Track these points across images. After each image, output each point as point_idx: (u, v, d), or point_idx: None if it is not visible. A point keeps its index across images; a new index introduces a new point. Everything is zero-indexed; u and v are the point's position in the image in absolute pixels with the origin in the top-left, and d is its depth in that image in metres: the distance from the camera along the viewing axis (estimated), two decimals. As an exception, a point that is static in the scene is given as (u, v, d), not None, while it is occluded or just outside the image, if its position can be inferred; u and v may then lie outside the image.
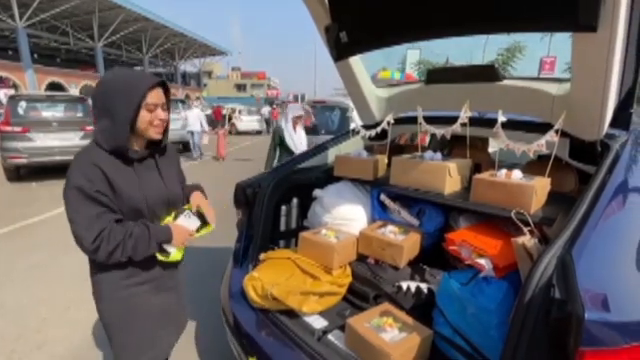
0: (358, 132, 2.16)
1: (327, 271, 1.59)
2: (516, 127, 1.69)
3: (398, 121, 2.07)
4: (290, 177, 2.02)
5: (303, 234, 1.68)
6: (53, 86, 22.41)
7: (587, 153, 1.48)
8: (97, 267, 1.19)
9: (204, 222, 1.35)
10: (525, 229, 1.24)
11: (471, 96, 1.66)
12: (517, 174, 1.40)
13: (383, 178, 1.88)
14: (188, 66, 46.55)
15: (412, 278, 1.54)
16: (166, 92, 1.22)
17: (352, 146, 2.33)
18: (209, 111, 20.28)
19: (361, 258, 1.70)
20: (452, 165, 1.56)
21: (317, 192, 1.94)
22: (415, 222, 1.70)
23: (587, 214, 1.03)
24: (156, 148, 1.26)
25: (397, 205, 1.77)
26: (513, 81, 1.65)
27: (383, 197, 1.80)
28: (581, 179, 1.62)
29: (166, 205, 1.28)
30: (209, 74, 52.63)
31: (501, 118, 1.46)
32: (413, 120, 1.91)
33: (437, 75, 1.89)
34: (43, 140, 6.49)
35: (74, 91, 23.65)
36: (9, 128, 6.29)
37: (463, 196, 1.55)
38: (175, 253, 1.25)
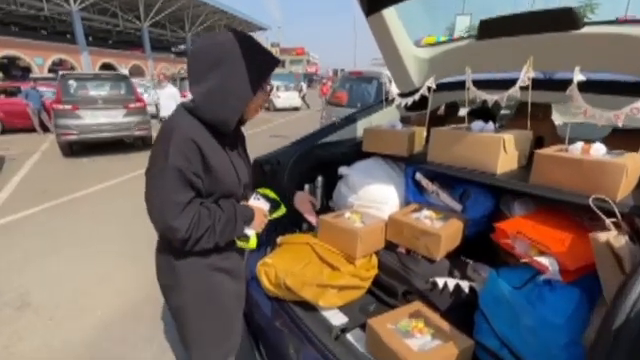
0: (392, 101, 1.88)
1: (349, 260, 1.39)
2: (597, 89, 1.32)
3: (441, 87, 1.76)
4: (313, 152, 1.80)
5: (323, 217, 1.48)
6: (105, 67, 23.76)
7: None
8: (174, 253, 1.06)
9: (274, 205, 1.30)
10: (608, 221, 0.94)
11: (536, 51, 1.32)
12: (599, 148, 1.07)
13: (420, 154, 1.61)
14: (229, 43, 47.00)
15: (450, 274, 1.29)
16: None
17: (386, 117, 2.05)
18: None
19: (390, 246, 1.47)
20: (508, 137, 1.25)
21: (343, 170, 1.71)
22: (457, 207, 1.43)
23: None
24: (239, 128, 1.16)
25: (436, 186, 1.50)
26: (597, 27, 1.27)
27: (419, 176, 1.53)
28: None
29: (251, 186, 1.21)
30: (249, 51, 52.76)
31: (578, 77, 1.12)
32: (460, 85, 1.60)
33: (493, 27, 1.53)
34: (91, 117, 6.82)
35: (124, 71, 24.92)
36: (61, 106, 6.67)
37: (520, 176, 1.24)
38: (253, 238, 1.16)
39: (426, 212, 1.40)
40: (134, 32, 30.63)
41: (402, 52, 1.79)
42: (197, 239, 0.98)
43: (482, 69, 1.59)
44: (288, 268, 1.36)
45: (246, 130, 1.23)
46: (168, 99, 6.69)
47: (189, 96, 1.03)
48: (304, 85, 20.59)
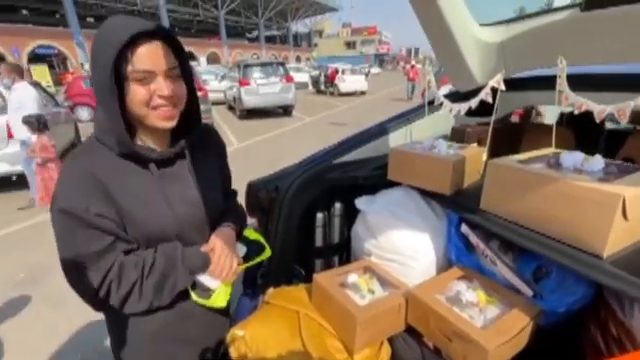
0: (441, 104, 1.34)
1: (348, 349, 0.96)
2: None
3: (515, 85, 1.18)
4: (325, 175, 1.38)
5: (319, 277, 1.06)
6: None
7: None
8: (111, 319, 0.87)
9: (255, 249, 1.04)
10: None
11: None
12: None
13: (472, 193, 1.07)
14: (300, 26, 47.37)
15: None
16: (174, 48, 0.75)
17: (432, 126, 1.52)
18: (315, 72, 19.90)
19: (414, 329, 1.00)
20: (633, 194, 0.67)
21: (359, 203, 1.26)
22: (526, 290, 0.89)
23: None
24: (186, 140, 0.83)
25: (492, 248, 0.97)
26: None
27: (465, 229, 1.01)
28: None
29: (202, 229, 0.88)
30: (320, 33, 52.51)
31: None
32: (547, 82, 1.03)
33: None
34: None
35: (203, 59, 26.57)
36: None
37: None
38: (219, 292, 0.88)
39: (470, 294, 0.89)
40: (213, 21, 32.39)
41: (457, 33, 1.23)
42: (122, 299, 0.74)
43: (588, 59, 0.98)
44: (265, 348, 0.99)
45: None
46: (19, 108, 3.67)
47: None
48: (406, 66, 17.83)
